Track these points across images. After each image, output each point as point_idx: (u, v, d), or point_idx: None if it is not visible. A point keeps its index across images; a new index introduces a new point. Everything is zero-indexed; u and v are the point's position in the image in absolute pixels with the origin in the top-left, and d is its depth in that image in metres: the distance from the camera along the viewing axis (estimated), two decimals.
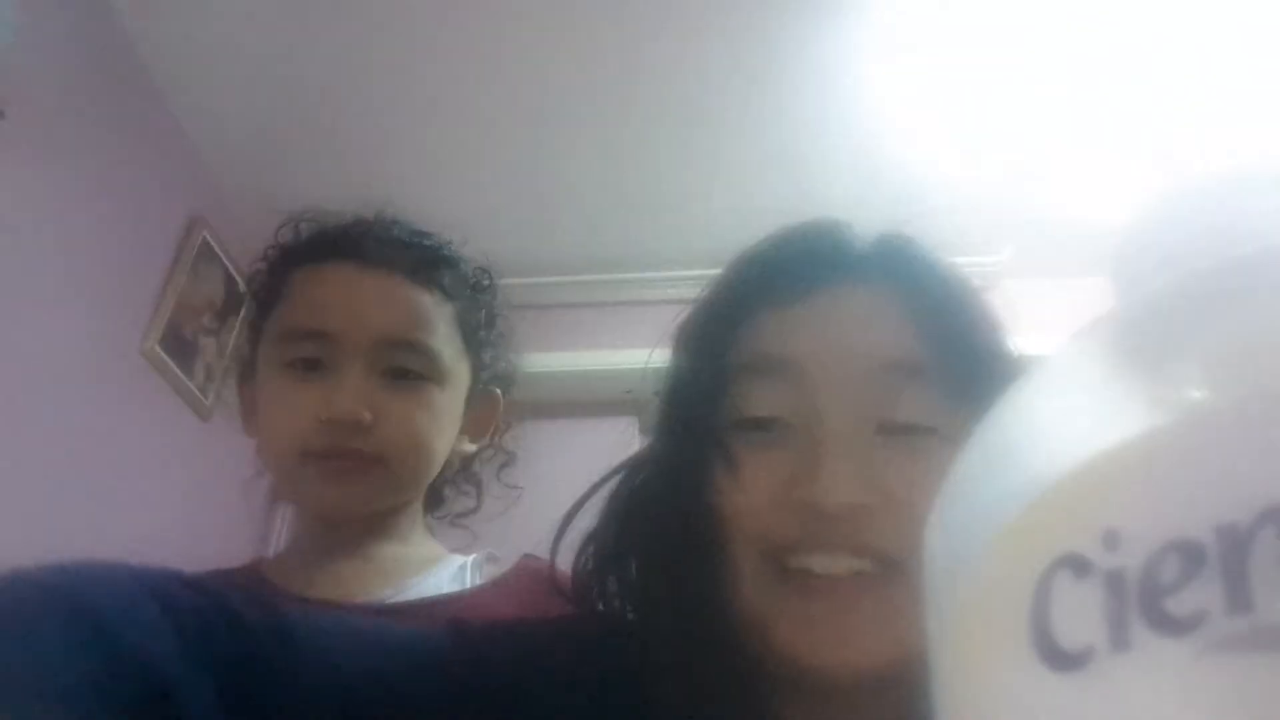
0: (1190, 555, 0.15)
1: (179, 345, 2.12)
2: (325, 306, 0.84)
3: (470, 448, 0.94)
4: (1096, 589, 0.16)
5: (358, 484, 0.82)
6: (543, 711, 0.50)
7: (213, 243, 2.23)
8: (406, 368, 0.84)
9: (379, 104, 2.14)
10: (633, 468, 0.59)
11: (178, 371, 2.12)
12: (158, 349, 2.05)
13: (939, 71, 1.97)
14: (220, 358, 2.25)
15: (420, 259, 0.88)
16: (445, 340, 0.86)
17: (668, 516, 0.54)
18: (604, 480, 0.60)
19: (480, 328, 0.92)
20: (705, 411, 0.53)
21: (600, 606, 0.58)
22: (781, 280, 0.54)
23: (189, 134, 2.20)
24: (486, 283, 0.95)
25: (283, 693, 0.45)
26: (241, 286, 2.29)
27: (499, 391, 0.95)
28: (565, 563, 0.61)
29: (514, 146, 2.23)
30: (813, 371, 0.51)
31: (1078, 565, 0.16)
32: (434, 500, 0.95)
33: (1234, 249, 0.20)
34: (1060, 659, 0.16)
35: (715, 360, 0.54)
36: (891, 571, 0.48)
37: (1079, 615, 0.16)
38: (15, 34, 1.64)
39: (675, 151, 2.20)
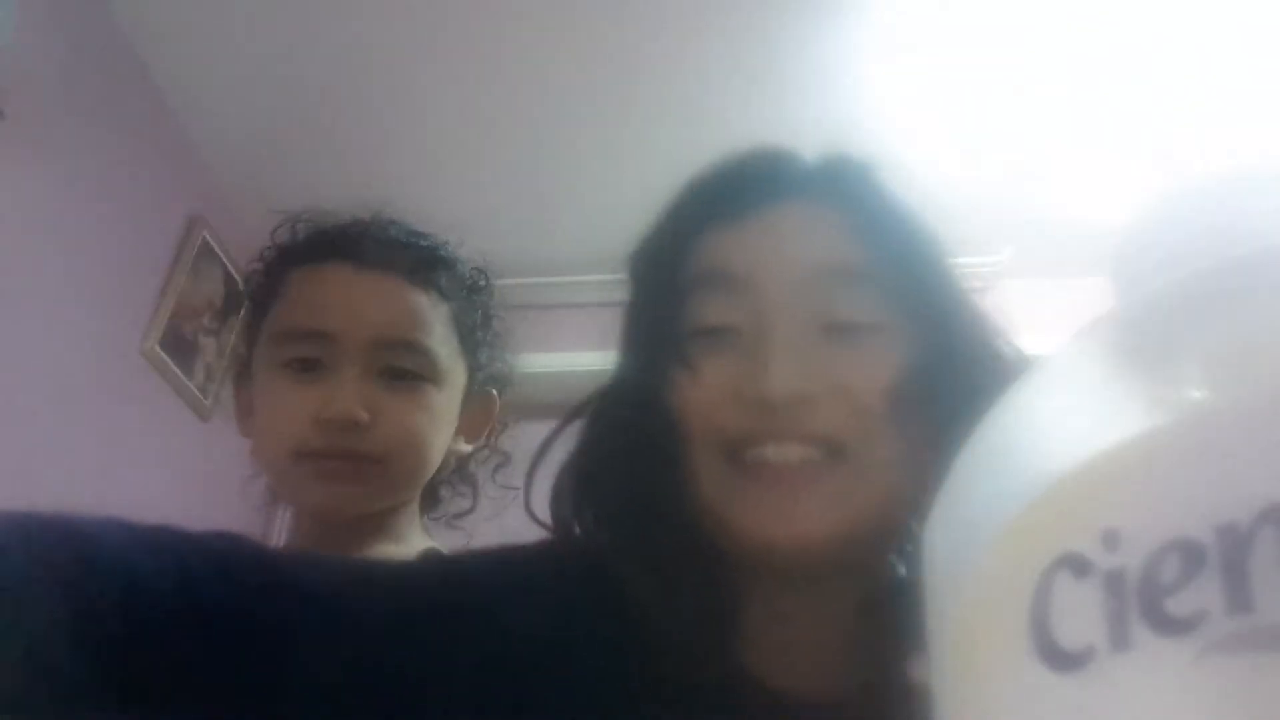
0: (1190, 555, 0.15)
1: (179, 345, 2.12)
2: (322, 307, 0.84)
3: (466, 448, 0.93)
4: (1096, 589, 0.16)
5: (354, 484, 0.82)
6: (522, 629, 0.53)
7: (212, 243, 2.23)
8: (403, 368, 0.84)
9: (379, 104, 2.14)
10: (601, 397, 0.62)
11: (178, 371, 2.12)
12: (158, 349, 2.05)
13: (939, 71, 1.97)
14: (220, 358, 2.25)
15: (417, 259, 0.88)
16: (442, 340, 0.86)
17: (630, 424, 0.57)
18: (574, 414, 0.63)
19: (476, 328, 0.92)
20: (662, 326, 0.57)
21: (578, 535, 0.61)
22: (729, 199, 0.58)
23: (189, 134, 2.20)
24: (483, 283, 0.95)
25: (273, 635, 0.47)
26: (242, 286, 2.29)
27: (495, 392, 0.95)
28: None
29: (514, 146, 2.23)
30: (759, 280, 0.54)
31: (1078, 565, 0.16)
32: (430, 500, 0.95)
33: (1234, 249, 0.20)
34: (1060, 659, 0.16)
35: (669, 278, 0.57)
36: (839, 458, 0.52)
37: (1079, 615, 0.16)
38: (14, 32, 1.64)
39: (675, 151, 2.20)
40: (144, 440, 2.01)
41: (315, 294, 0.86)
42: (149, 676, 0.43)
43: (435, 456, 0.87)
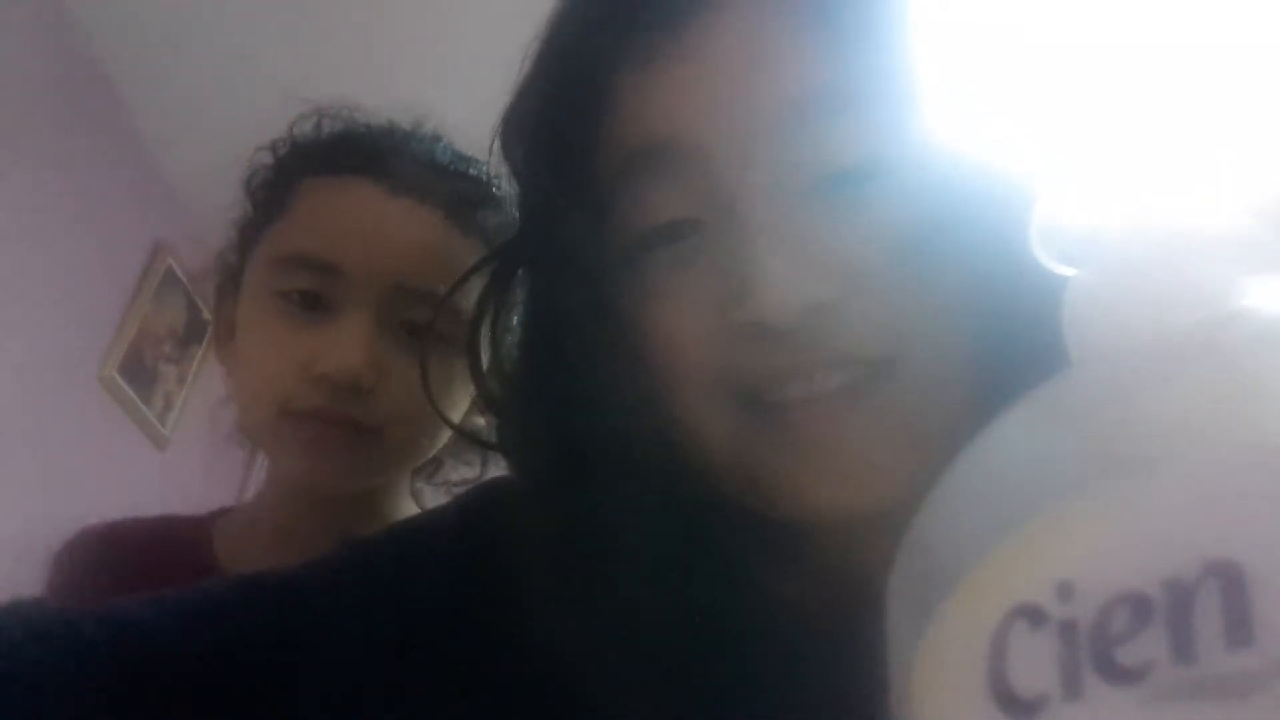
0: (1138, 607, 0.16)
1: (138, 372, 2.09)
2: (339, 233, 0.68)
3: (482, 421, 0.75)
4: (1051, 638, 0.17)
5: (345, 457, 0.68)
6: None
7: (177, 269, 2.21)
8: (425, 325, 0.67)
9: None
10: (529, 326, 0.47)
11: (135, 399, 2.08)
12: (116, 376, 2.02)
13: (939, 71, 2.01)
14: (180, 385, 2.22)
15: (463, 192, 0.71)
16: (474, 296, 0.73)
17: (580, 360, 0.42)
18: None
19: None
20: (589, 230, 0.40)
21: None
22: (634, 19, 0.40)
23: (156, 158, 2.18)
24: None
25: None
26: (205, 314, 2.26)
27: None
28: None
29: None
30: (714, 147, 0.38)
31: (1033, 615, 0.17)
32: (430, 466, 0.79)
33: (1188, 312, 0.21)
34: (1016, 706, 0.17)
35: (582, 156, 0.41)
36: (886, 372, 0.37)
37: (1034, 663, 0.17)
38: None
39: None
40: (98, 468, 1.97)
41: (332, 215, 0.70)
42: None
43: (446, 432, 0.72)
